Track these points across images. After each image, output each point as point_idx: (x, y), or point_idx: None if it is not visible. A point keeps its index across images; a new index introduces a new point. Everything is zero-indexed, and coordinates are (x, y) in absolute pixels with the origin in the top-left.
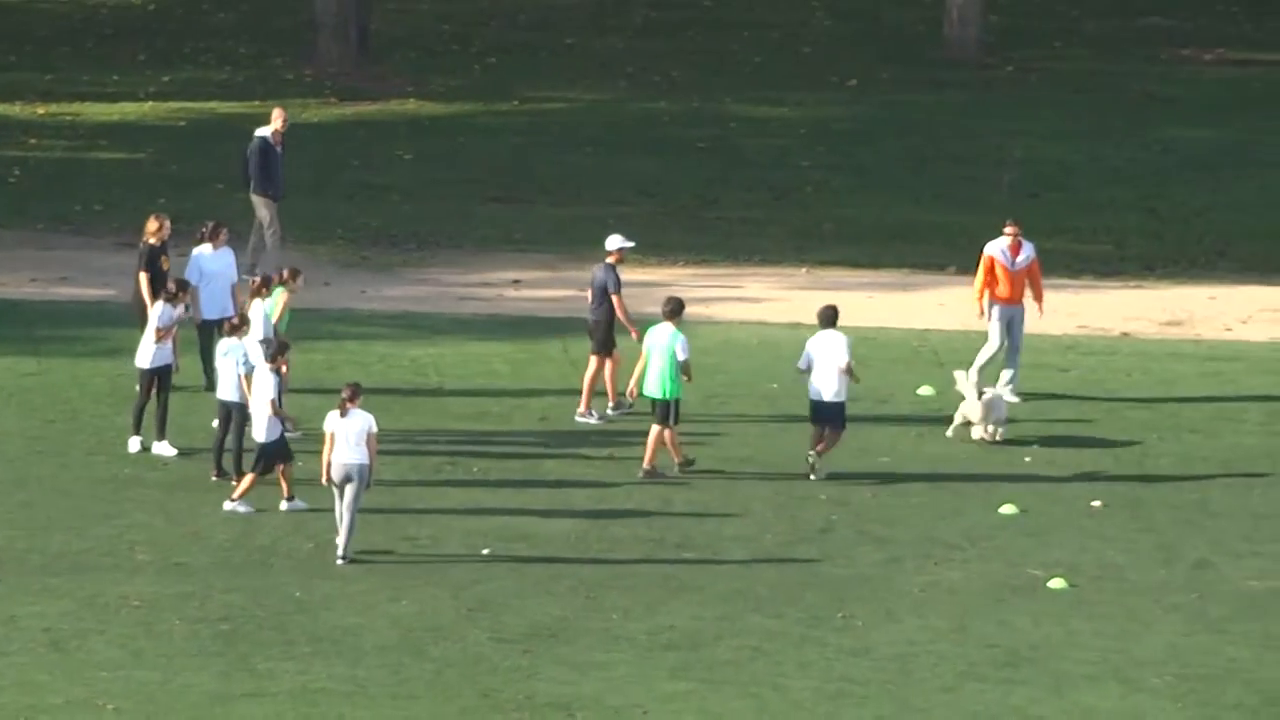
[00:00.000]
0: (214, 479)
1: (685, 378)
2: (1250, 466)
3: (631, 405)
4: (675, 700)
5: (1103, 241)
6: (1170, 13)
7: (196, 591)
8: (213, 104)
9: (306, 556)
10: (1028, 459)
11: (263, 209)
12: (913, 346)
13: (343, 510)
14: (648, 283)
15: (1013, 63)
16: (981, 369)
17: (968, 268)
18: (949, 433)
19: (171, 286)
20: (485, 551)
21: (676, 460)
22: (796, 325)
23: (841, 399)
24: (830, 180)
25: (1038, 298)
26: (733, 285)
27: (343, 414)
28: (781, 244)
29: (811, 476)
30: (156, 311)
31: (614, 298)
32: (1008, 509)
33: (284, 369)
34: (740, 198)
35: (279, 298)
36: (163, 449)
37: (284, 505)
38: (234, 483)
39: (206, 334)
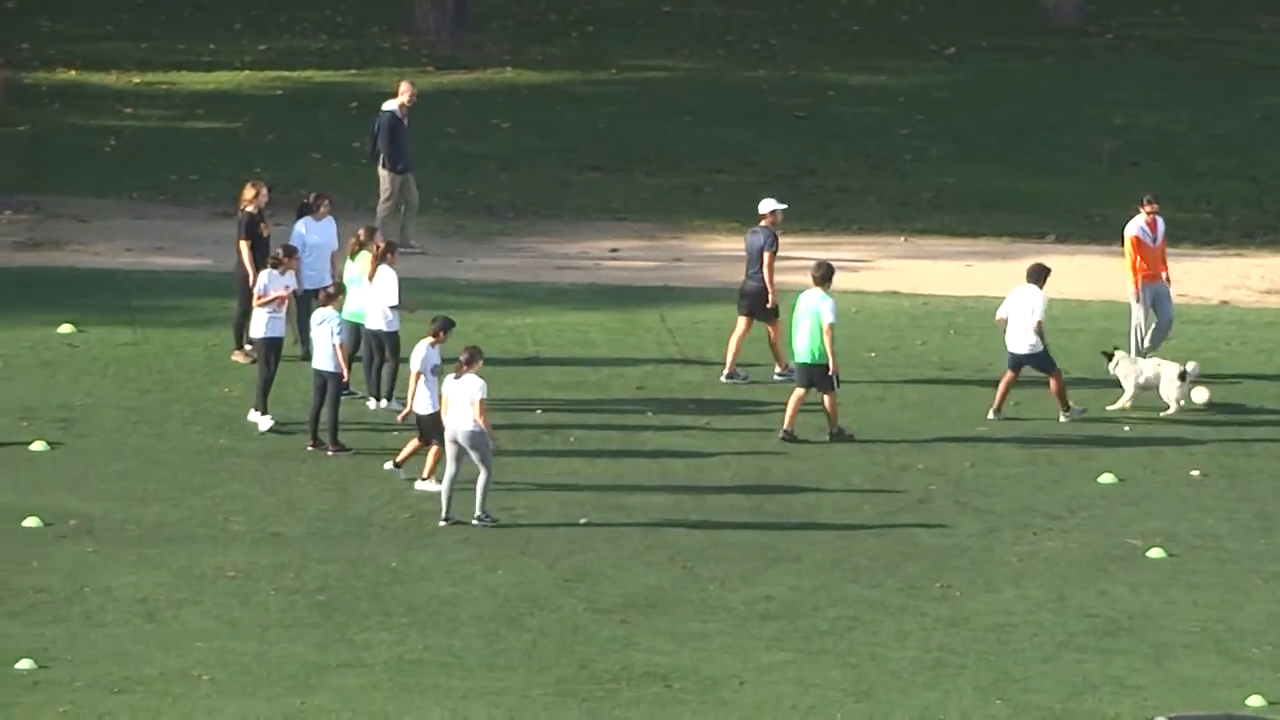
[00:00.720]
0: (309, 449)
1: (828, 343)
2: None
3: (784, 374)
4: (773, 671)
5: (1203, 210)
6: None
7: (292, 562)
8: (309, 73)
9: (403, 526)
10: (1127, 429)
11: (387, 182)
12: None
13: (456, 475)
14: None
15: (1111, 30)
16: (1144, 347)
17: (1068, 235)
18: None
19: (279, 252)
20: (582, 521)
21: (832, 428)
22: (894, 294)
23: (1038, 349)
24: (928, 149)
25: (1167, 272)
26: (831, 254)
27: (457, 376)
28: (879, 213)
29: (1061, 418)
30: (263, 280)
31: (766, 255)
32: (1106, 478)
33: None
34: (838, 166)
35: (365, 262)
36: (259, 419)
37: (419, 484)
38: (329, 453)
39: (305, 304)
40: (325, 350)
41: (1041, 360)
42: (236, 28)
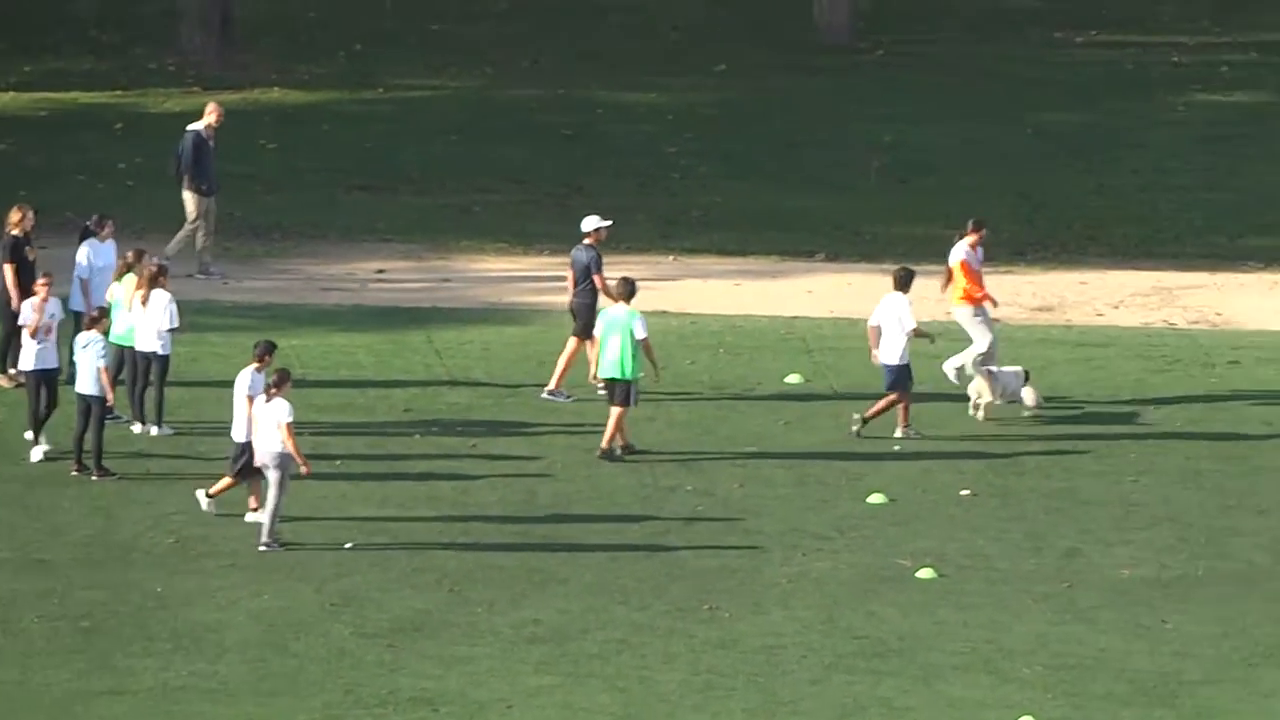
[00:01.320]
0: (74, 473)
1: (647, 357)
2: (1121, 453)
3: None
4: (540, 695)
5: None
6: None
7: (56, 588)
8: (74, 94)
9: (167, 551)
10: (896, 447)
11: (192, 204)
12: (780, 334)
13: (267, 494)
14: (510, 273)
15: (882, 46)
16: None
17: (838, 253)
18: (981, 415)
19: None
20: (348, 545)
21: (621, 442)
22: (663, 313)
23: (904, 361)
24: (697, 167)
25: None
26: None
27: (267, 399)
28: (648, 231)
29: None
30: (26, 309)
31: (596, 277)
32: (876, 498)
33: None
34: (607, 185)
35: (130, 284)
36: (32, 450)
37: (249, 516)
38: (93, 477)
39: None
40: (90, 374)
41: (900, 375)
42: (1, 48)
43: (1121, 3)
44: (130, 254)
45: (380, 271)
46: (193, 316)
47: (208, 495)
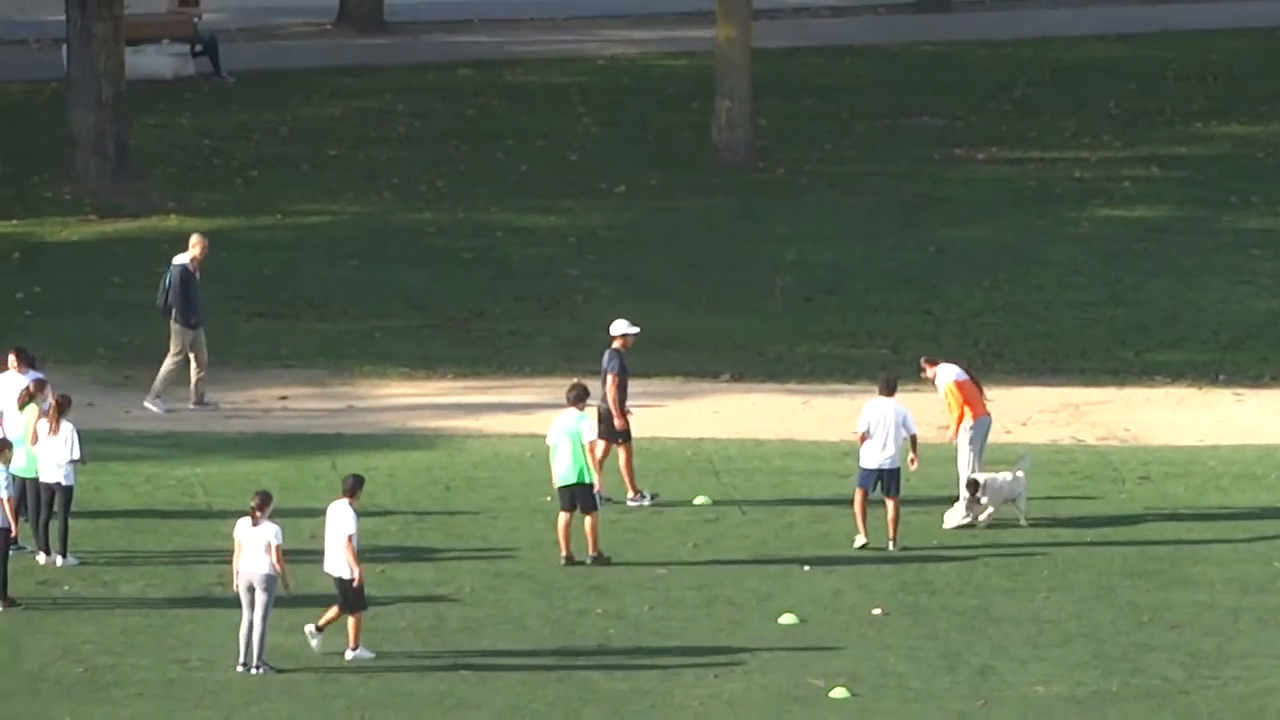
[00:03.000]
0: None
1: (592, 460)
2: (1032, 570)
3: (637, 499)
4: None
5: (879, 345)
6: (942, 112)
7: None
8: None
9: (76, 681)
10: (806, 568)
11: (178, 338)
12: (687, 456)
13: (253, 619)
14: (414, 398)
15: (783, 165)
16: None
17: (743, 373)
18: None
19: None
20: (257, 671)
21: (592, 552)
22: None
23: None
24: (600, 289)
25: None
26: (503, 397)
27: (254, 523)
28: (551, 354)
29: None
30: None
31: (609, 377)
32: (787, 618)
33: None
34: (508, 308)
35: (31, 415)
36: None
37: (349, 654)
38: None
39: None
40: None
41: (893, 479)
42: None
43: (1022, 120)
44: (31, 384)
45: (283, 398)
46: (96, 446)
47: (317, 628)
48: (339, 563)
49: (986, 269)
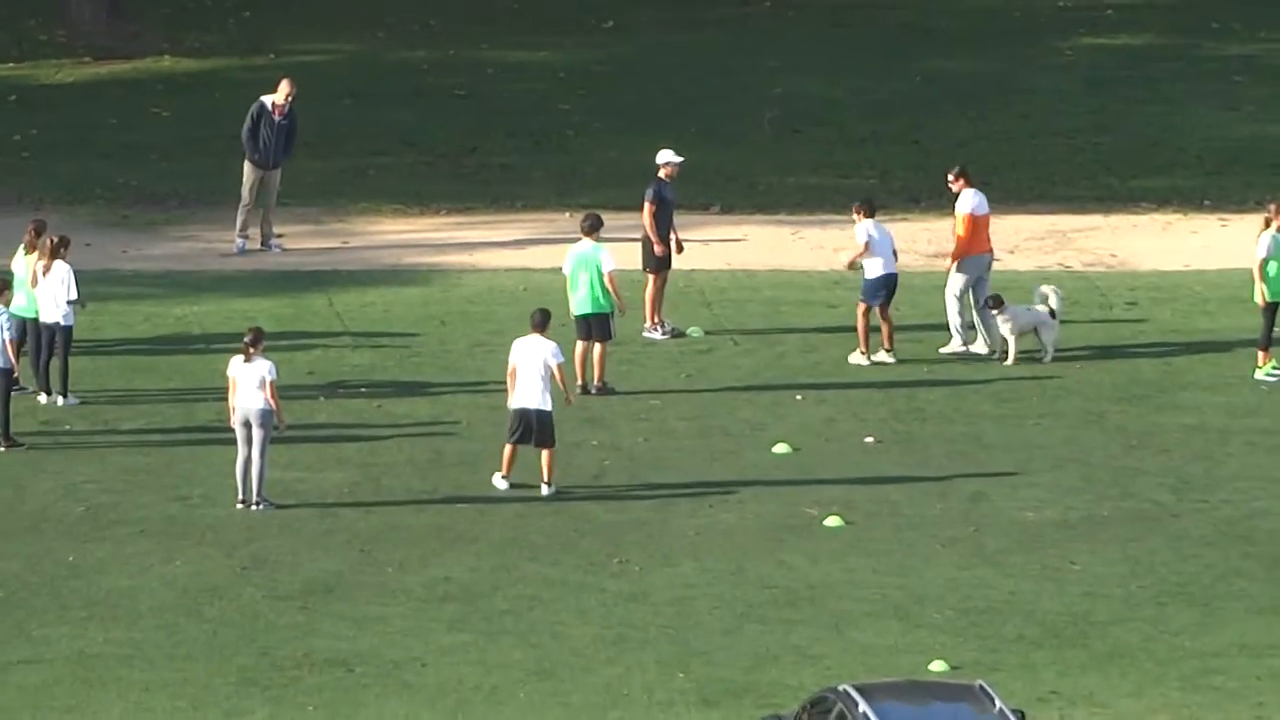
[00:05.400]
0: None
1: (613, 291)
2: (1022, 397)
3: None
4: (454, 652)
5: (867, 175)
6: None
7: None
8: None
9: (78, 520)
10: (799, 397)
11: (245, 174)
12: (679, 287)
13: (250, 455)
14: (408, 234)
15: None
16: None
17: (733, 205)
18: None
19: None
20: (257, 508)
21: (597, 381)
22: (559, 270)
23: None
24: (591, 123)
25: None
26: (496, 232)
27: (246, 359)
28: (544, 189)
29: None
30: None
31: (645, 204)
32: (781, 448)
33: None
34: (501, 144)
35: (34, 257)
36: None
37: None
38: (0, 448)
39: None
40: None
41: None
42: None
43: None
44: (32, 226)
45: (279, 236)
46: (93, 285)
47: (503, 476)
48: (537, 395)
49: (972, 99)
